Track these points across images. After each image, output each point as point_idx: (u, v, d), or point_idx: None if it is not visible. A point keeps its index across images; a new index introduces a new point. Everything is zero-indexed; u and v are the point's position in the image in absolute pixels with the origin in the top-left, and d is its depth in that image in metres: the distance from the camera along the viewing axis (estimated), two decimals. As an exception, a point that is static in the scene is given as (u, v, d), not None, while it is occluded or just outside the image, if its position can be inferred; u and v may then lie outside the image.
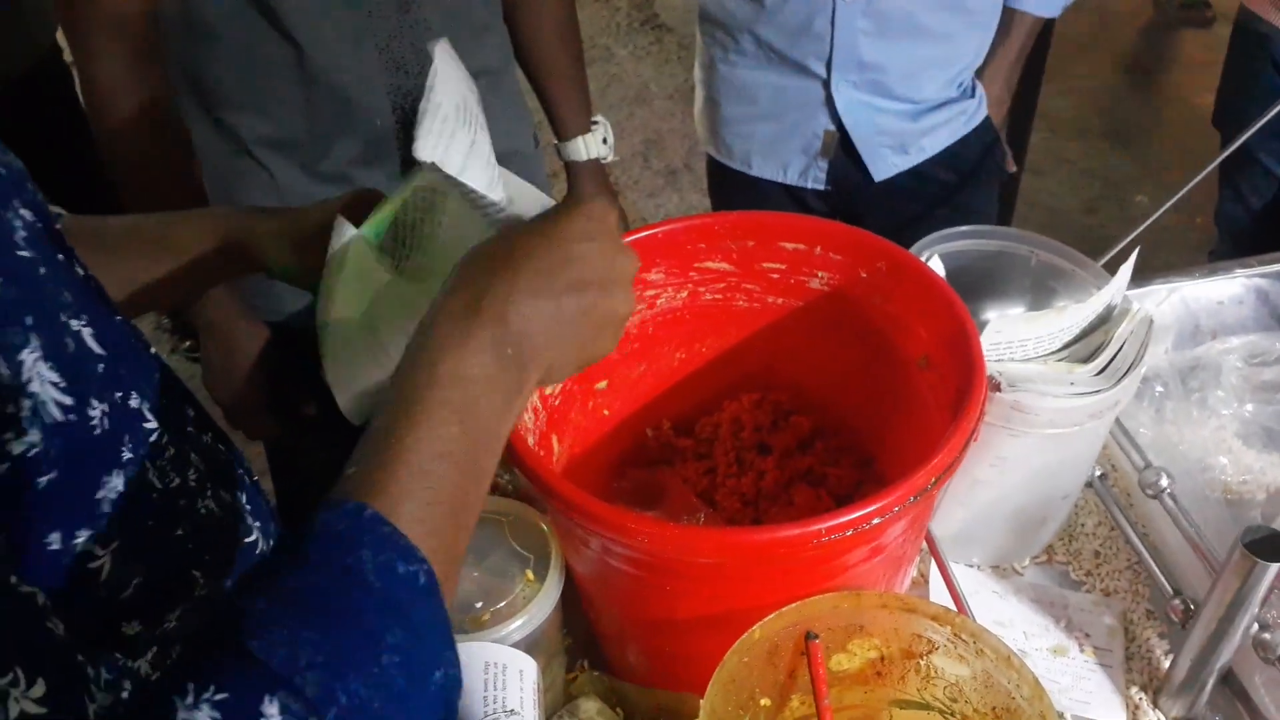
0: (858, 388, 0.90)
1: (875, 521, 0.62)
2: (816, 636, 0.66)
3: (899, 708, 0.69)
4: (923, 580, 0.91)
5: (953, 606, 0.82)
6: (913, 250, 0.92)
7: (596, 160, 1.31)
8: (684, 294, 0.90)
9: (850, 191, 1.36)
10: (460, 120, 0.63)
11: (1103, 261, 0.94)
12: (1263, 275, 1.10)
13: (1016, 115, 1.86)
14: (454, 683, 0.44)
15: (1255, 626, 0.73)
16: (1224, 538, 0.86)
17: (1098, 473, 0.94)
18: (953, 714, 0.67)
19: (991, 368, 0.78)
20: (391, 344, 0.66)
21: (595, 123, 1.31)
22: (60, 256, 0.53)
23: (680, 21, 3.67)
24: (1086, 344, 0.83)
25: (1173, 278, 1.09)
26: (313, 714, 0.38)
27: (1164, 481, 0.85)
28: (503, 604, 0.75)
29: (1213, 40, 3.42)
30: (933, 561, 0.87)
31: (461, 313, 0.49)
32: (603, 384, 0.91)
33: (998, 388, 0.78)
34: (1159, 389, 1.01)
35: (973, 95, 1.35)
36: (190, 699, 0.36)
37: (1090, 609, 0.88)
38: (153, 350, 0.60)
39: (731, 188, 1.44)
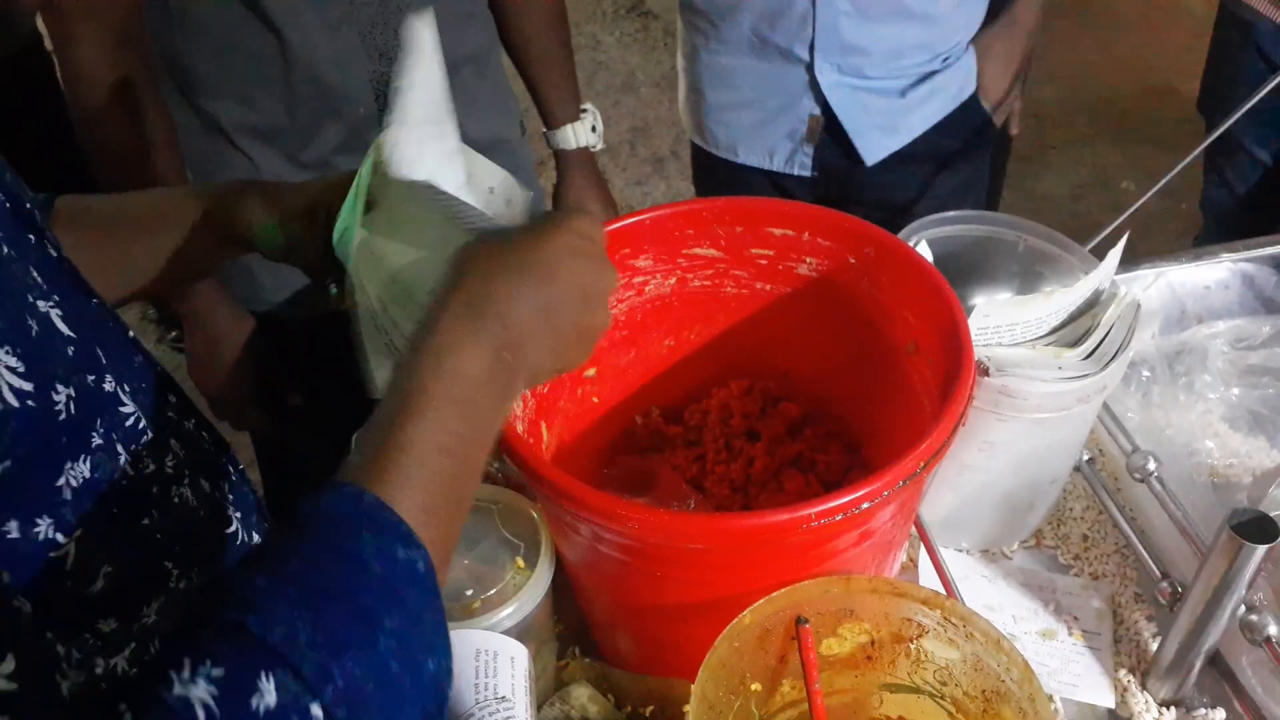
0: (847, 374, 0.90)
1: (864, 506, 0.62)
2: (807, 621, 0.66)
3: (889, 691, 0.69)
4: (912, 565, 0.91)
5: (942, 591, 0.82)
6: (900, 235, 0.92)
7: (585, 148, 1.31)
8: (672, 281, 0.90)
9: (837, 178, 1.36)
10: (432, 124, 0.63)
11: (1090, 246, 0.94)
12: (1248, 260, 1.10)
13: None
14: (446, 672, 0.45)
15: (1242, 608, 0.74)
16: (1211, 521, 0.87)
17: (1085, 457, 0.94)
18: (943, 697, 0.67)
19: (979, 352, 0.78)
20: (376, 303, 0.66)
21: (584, 111, 1.31)
22: (31, 237, 0.52)
23: (666, 8, 3.66)
24: (1074, 329, 0.83)
25: (1159, 263, 1.09)
26: (309, 693, 0.38)
27: (1151, 465, 0.85)
28: (493, 591, 0.75)
29: (1198, 26, 3.43)
30: (922, 546, 0.87)
31: (465, 312, 0.51)
32: (591, 371, 0.91)
33: (986, 372, 0.78)
34: (1146, 374, 1.02)
35: (960, 65, 1.33)
36: (187, 673, 0.37)
37: (1079, 592, 0.89)
38: (131, 335, 0.59)
39: (716, 177, 1.44)
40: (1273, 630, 0.73)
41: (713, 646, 0.64)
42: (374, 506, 0.44)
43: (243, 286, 1.15)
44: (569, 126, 1.29)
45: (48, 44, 1.29)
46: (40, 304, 0.49)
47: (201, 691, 0.36)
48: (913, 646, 0.68)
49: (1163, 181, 0.97)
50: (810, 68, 1.26)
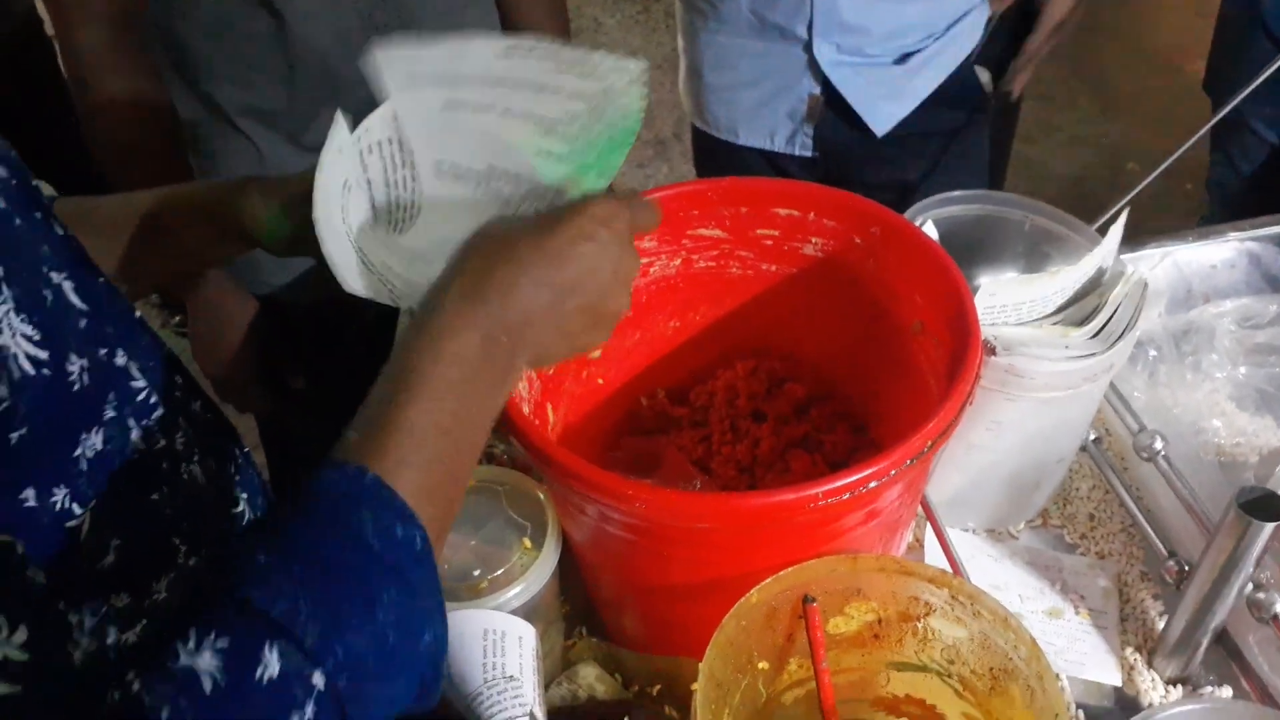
0: (853, 354, 0.90)
1: (872, 485, 0.62)
2: (814, 600, 0.67)
3: (896, 670, 0.70)
4: (918, 545, 0.91)
5: (949, 571, 0.82)
6: (906, 216, 0.91)
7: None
8: (677, 262, 0.90)
9: (837, 158, 1.35)
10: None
11: (1096, 226, 0.94)
12: (1254, 239, 1.10)
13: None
14: (441, 644, 0.47)
15: (1249, 586, 0.74)
16: (1218, 500, 0.87)
17: (1092, 436, 0.94)
18: (950, 675, 0.67)
19: (986, 332, 0.78)
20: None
21: None
22: (38, 214, 0.52)
23: (668, -9, 3.64)
24: (1081, 308, 0.83)
25: (1166, 242, 1.09)
26: (311, 663, 0.40)
27: (1158, 444, 0.85)
28: (500, 572, 0.75)
29: (1203, 5, 3.41)
30: (928, 526, 0.87)
31: (466, 296, 0.52)
32: (596, 354, 0.91)
33: (993, 352, 0.78)
34: (1153, 353, 1.01)
35: (958, 29, 1.31)
36: (192, 644, 0.38)
37: (1085, 571, 0.89)
38: (139, 314, 0.59)
39: (717, 160, 1.43)
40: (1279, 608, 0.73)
41: (720, 625, 0.64)
42: (374, 485, 0.45)
43: (246, 270, 1.14)
44: None
45: (49, 29, 1.28)
46: (53, 275, 0.50)
47: (207, 662, 0.38)
48: (920, 625, 0.68)
49: (1168, 162, 0.96)
50: (809, 47, 1.26)
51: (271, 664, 0.38)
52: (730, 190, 0.87)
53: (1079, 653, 0.82)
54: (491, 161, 0.68)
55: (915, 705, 0.71)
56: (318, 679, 0.40)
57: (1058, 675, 0.76)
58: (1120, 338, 0.79)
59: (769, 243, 0.88)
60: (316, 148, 1.15)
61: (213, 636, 0.38)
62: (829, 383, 0.93)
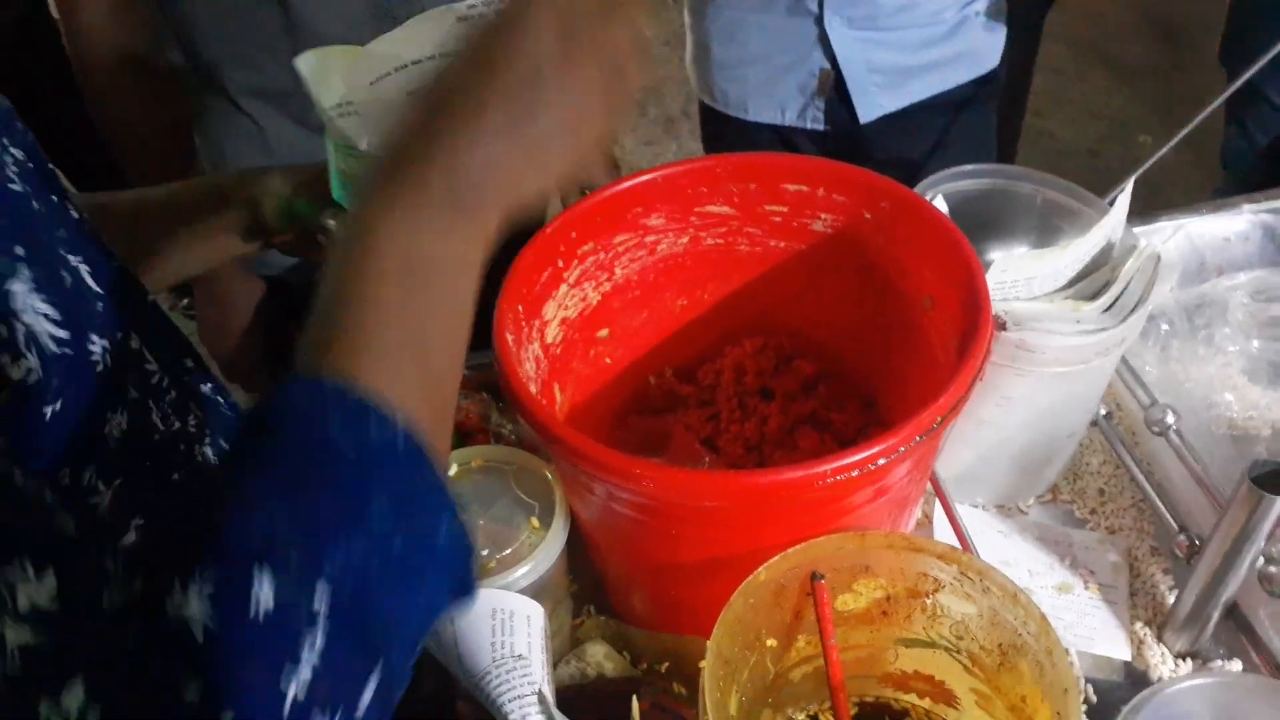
0: (862, 330, 0.89)
1: (881, 462, 0.62)
2: (823, 577, 0.66)
3: (905, 646, 0.69)
4: (927, 521, 0.91)
5: (958, 547, 0.82)
6: (916, 189, 0.90)
7: None
8: (685, 239, 0.89)
9: (848, 131, 1.34)
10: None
11: (1109, 199, 0.93)
12: (1270, 211, 1.09)
13: (1019, 56, 1.83)
14: (461, 537, 0.43)
15: (1260, 560, 0.73)
16: (1229, 474, 0.86)
17: (1103, 411, 0.93)
18: (959, 651, 0.67)
19: (997, 307, 0.77)
20: None
21: None
22: (54, 197, 0.52)
23: (676, -35, 3.60)
24: (1092, 281, 0.82)
25: (1178, 214, 1.08)
26: (302, 582, 0.36)
27: (1170, 418, 0.85)
28: (508, 551, 0.76)
29: (1218, -25, 3.36)
30: (937, 502, 0.87)
31: (392, 165, 0.45)
32: (604, 332, 0.90)
33: (1003, 326, 0.77)
34: (1165, 327, 1.00)
35: (992, 31, 1.31)
36: (178, 595, 0.36)
37: (1095, 546, 0.88)
38: (151, 298, 0.59)
39: (726, 136, 1.42)
40: (1292, 582, 0.72)
41: (728, 603, 0.64)
42: (335, 391, 0.40)
43: (253, 251, 1.14)
44: None
45: (54, 10, 1.28)
46: (70, 258, 0.49)
47: (195, 610, 0.35)
48: (929, 601, 0.68)
49: (1182, 134, 0.95)
50: (820, 20, 1.24)
51: (264, 596, 0.35)
52: (739, 166, 0.86)
53: (1088, 627, 0.82)
54: None
55: (924, 681, 0.71)
56: (318, 602, 0.36)
57: (1067, 650, 0.76)
58: (1132, 312, 0.78)
59: (778, 219, 0.87)
60: (321, 127, 1.15)
61: (196, 581, 0.35)
62: (838, 359, 0.93)
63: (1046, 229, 0.94)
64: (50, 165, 0.55)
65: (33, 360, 0.43)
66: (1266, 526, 0.70)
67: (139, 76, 1.01)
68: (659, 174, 0.86)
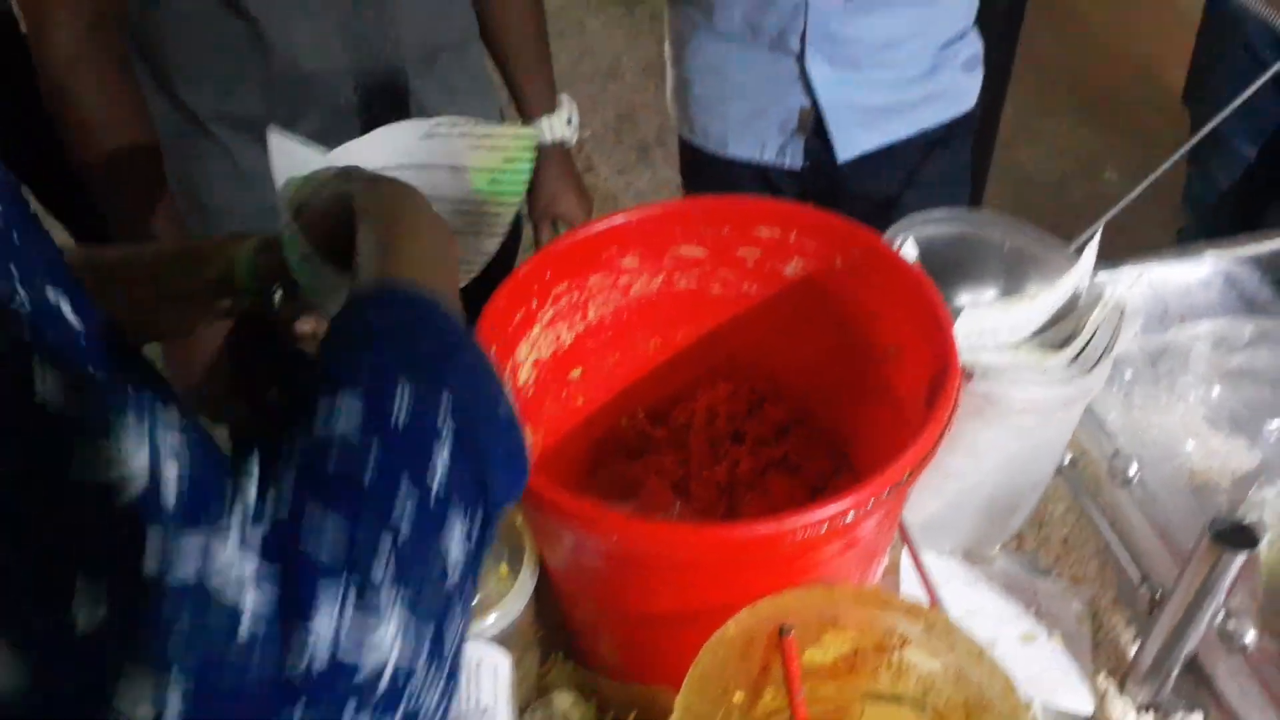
0: (832, 376, 0.90)
1: (850, 517, 0.62)
2: (790, 631, 0.66)
3: (871, 701, 0.69)
4: (894, 569, 0.91)
5: (924, 595, 0.82)
6: (887, 234, 0.91)
7: (561, 142, 1.30)
8: (658, 281, 0.90)
9: (826, 169, 1.35)
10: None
11: (1074, 246, 0.94)
12: (1231, 259, 1.10)
13: (990, 91, 1.86)
14: (512, 410, 0.49)
15: (1221, 615, 0.74)
16: (1191, 524, 0.87)
17: (1067, 459, 0.94)
18: (924, 708, 0.67)
19: (965, 357, 0.78)
20: None
21: (560, 103, 1.29)
22: (33, 227, 0.52)
23: (652, -8, 3.63)
24: (1059, 330, 0.83)
25: (1142, 261, 1.10)
26: (434, 394, 0.43)
27: (1133, 469, 0.86)
28: (477, 599, 0.75)
29: (1180, 15, 3.43)
30: (905, 550, 0.87)
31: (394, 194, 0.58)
32: (576, 372, 0.90)
33: (970, 377, 0.78)
34: (1128, 373, 1.02)
35: (970, 72, 1.33)
36: (325, 411, 0.41)
37: (1059, 596, 0.89)
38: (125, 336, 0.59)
39: (704, 172, 1.42)
40: (1250, 637, 0.73)
41: (696, 659, 0.64)
42: (410, 287, 0.49)
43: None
44: (544, 119, 1.28)
45: (24, 28, 1.26)
46: (50, 292, 0.49)
47: (345, 422, 0.40)
48: (895, 656, 0.68)
49: (1145, 183, 0.97)
50: (801, 58, 1.25)
51: (403, 406, 0.41)
52: (712, 209, 0.86)
53: (1052, 679, 0.83)
54: None
55: (890, 735, 0.71)
56: (444, 417, 0.42)
57: (1029, 706, 0.76)
58: (1098, 363, 0.79)
59: (750, 263, 0.88)
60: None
61: (343, 395, 0.41)
62: (808, 404, 0.93)
63: (1014, 274, 0.95)
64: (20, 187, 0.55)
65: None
66: (1226, 582, 0.70)
67: (114, 100, 1.00)
68: (633, 216, 0.86)
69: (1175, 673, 0.78)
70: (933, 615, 0.66)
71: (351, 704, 0.36)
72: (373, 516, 0.39)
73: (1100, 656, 0.85)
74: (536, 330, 0.84)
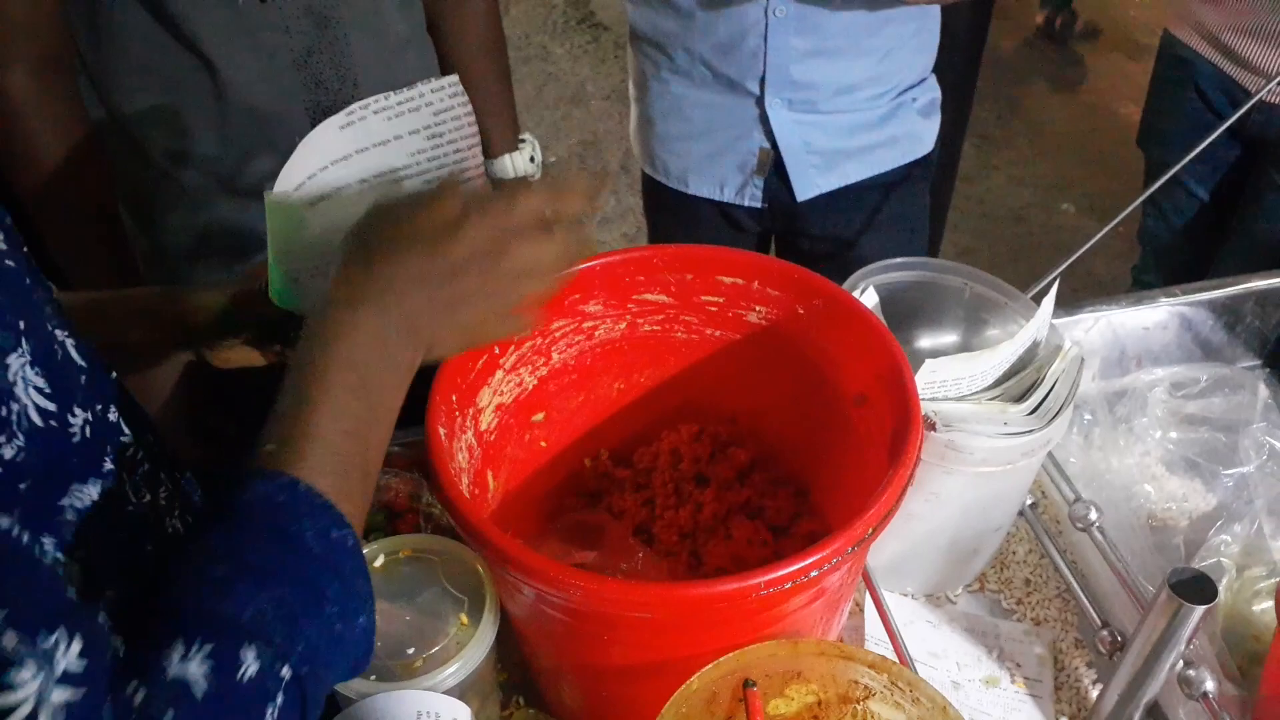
0: (795, 420, 0.90)
1: (814, 574, 0.62)
2: (754, 684, 0.66)
3: (836, 754, 0.69)
4: (859, 610, 0.91)
5: (887, 638, 0.82)
6: (849, 281, 0.92)
7: (524, 179, 1.29)
8: (623, 325, 0.89)
9: (785, 208, 1.36)
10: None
11: (1031, 293, 0.95)
12: (1186, 304, 1.13)
13: (949, 125, 1.89)
14: (372, 624, 0.52)
15: (1180, 664, 0.75)
16: (1150, 566, 0.89)
17: (1029, 501, 0.95)
18: (888, 761, 0.67)
19: (926, 407, 0.78)
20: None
21: (523, 141, 1.29)
22: (35, 274, 0.54)
23: (617, 20, 3.65)
24: (1020, 381, 0.84)
25: (1100, 306, 1.11)
26: (281, 659, 0.45)
27: (1093, 515, 0.86)
28: (436, 649, 0.74)
29: (1135, 51, 3.52)
30: (868, 594, 0.87)
31: (348, 300, 0.55)
32: (539, 416, 0.90)
33: (933, 427, 0.78)
34: (1087, 416, 1.03)
35: (928, 117, 1.35)
36: (179, 654, 0.43)
37: (1021, 638, 0.90)
38: (114, 375, 0.60)
39: (666, 206, 1.43)
40: (1209, 686, 0.74)
41: (661, 714, 0.63)
42: (306, 494, 0.50)
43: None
44: (507, 157, 1.27)
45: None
46: (57, 333, 0.52)
47: (195, 670, 0.43)
48: (859, 708, 0.68)
49: (1102, 233, 0.98)
50: (760, 101, 1.27)
51: (250, 665, 0.44)
52: (675, 257, 0.86)
53: (1015, 724, 0.83)
54: None
55: (854, 787, 0.71)
56: (285, 671, 0.46)
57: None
58: (1057, 414, 0.80)
59: (713, 309, 0.88)
60: (247, 191, 1.14)
61: (197, 646, 0.43)
62: (772, 448, 0.93)
63: (975, 321, 0.96)
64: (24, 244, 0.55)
65: (21, 440, 0.46)
66: (1186, 633, 0.71)
67: (65, 143, 0.98)
68: (597, 262, 0.86)
69: (1136, 719, 0.79)
70: (896, 669, 0.66)
71: None
72: None
73: (1061, 700, 0.85)
74: (499, 376, 0.83)
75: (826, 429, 0.86)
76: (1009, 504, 0.88)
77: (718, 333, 0.89)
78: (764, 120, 1.27)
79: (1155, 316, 1.13)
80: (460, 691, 0.73)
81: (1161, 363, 1.11)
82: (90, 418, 0.52)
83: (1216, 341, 1.13)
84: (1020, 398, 0.82)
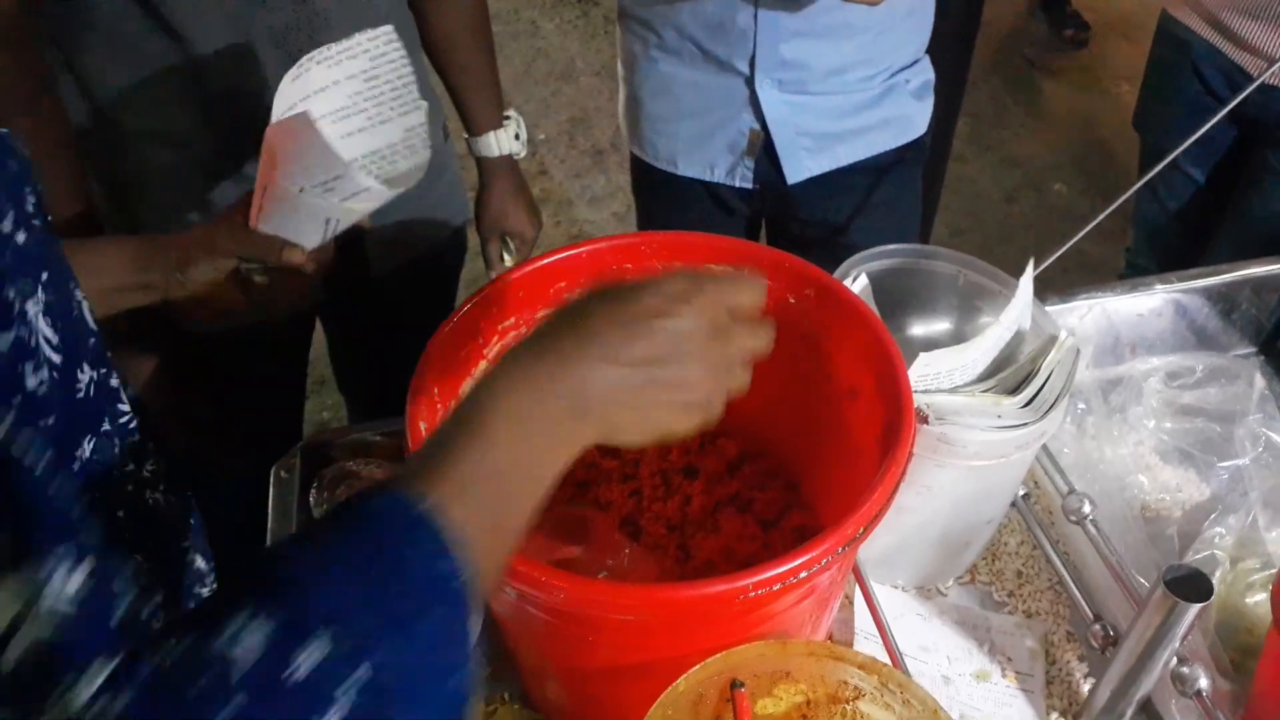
0: (786, 412, 0.88)
1: (803, 575, 0.60)
2: (742, 685, 0.65)
3: (825, 754, 0.68)
4: (848, 603, 0.90)
5: (876, 632, 0.81)
6: (840, 269, 0.90)
7: (509, 156, 1.27)
8: (609, 314, 0.87)
9: (777, 189, 1.34)
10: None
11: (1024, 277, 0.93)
12: (1181, 290, 1.11)
13: (943, 107, 1.86)
14: (467, 688, 0.45)
15: (1174, 660, 0.74)
16: (1143, 558, 0.88)
17: (1022, 492, 0.94)
18: (879, 762, 0.66)
19: (919, 399, 0.77)
20: None
21: (507, 118, 1.26)
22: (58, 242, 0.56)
23: (607, -5, 3.60)
24: (1014, 373, 0.83)
25: (1095, 293, 1.10)
26: (346, 660, 0.39)
27: (1086, 508, 0.85)
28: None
29: (1132, 31, 3.49)
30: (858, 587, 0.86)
31: (529, 360, 0.52)
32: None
33: (925, 420, 0.77)
34: (1081, 405, 1.02)
35: (920, 99, 1.32)
36: (238, 622, 0.38)
37: (1012, 631, 0.89)
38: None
39: (654, 186, 1.41)
40: (1203, 683, 0.73)
41: (647, 715, 0.62)
42: (425, 515, 0.44)
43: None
44: (491, 134, 1.25)
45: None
46: (77, 293, 0.53)
47: (249, 643, 0.38)
48: (848, 708, 0.67)
49: (1096, 220, 0.96)
50: (750, 82, 1.24)
51: (309, 659, 0.38)
52: (663, 244, 0.84)
53: (1005, 718, 0.82)
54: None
55: (843, 787, 0.69)
56: (345, 691, 0.39)
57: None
58: (1053, 407, 0.78)
59: (702, 297, 0.86)
60: (225, 173, 1.11)
61: (261, 615, 0.38)
62: (762, 439, 0.92)
63: (968, 309, 0.94)
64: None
65: (44, 373, 0.46)
66: (1180, 630, 0.70)
67: (42, 124, 0.95)
68: (583, 249, 0.84)
69: (1129, 715, 0.78)
70: (886, 670, 0.64)
71: None
72: None
73: (1053, 694, 0.84)
74: (482, 367, 0.81)
75: (817, 421, 0.85)
76: (1002, 496, 0.87)
77: (707, 322, 0.87)
78: (754, 101, 1.25)
79: (1150, 303, 1.11)
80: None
81: (1156, 350, 1.10)
82: (95, 377, 0.53)
83: (1212, 328, 1.12)
84: (1014, 390, 0.80)
